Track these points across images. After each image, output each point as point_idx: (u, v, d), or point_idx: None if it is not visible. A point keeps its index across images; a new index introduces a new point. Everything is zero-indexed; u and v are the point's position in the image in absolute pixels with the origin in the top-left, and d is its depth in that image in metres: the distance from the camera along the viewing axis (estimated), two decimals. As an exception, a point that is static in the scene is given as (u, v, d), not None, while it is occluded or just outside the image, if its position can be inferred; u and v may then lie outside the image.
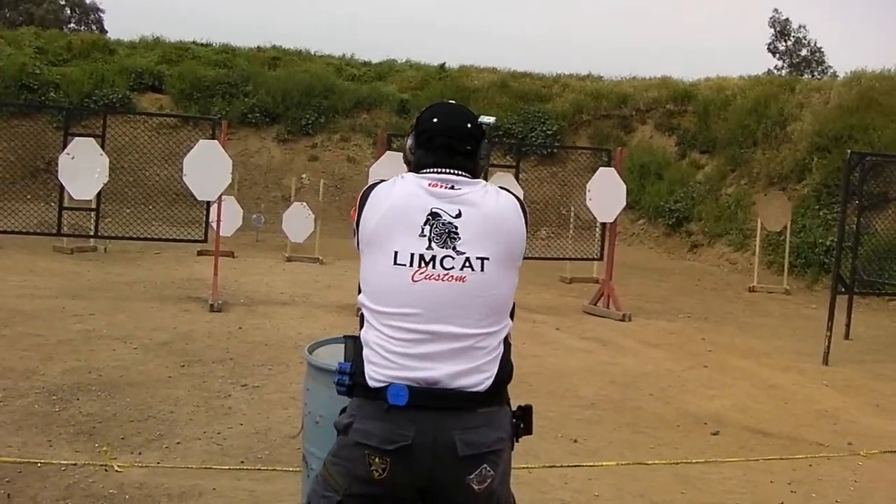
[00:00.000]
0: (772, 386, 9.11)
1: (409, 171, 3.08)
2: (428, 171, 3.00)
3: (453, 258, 2.86)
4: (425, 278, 2.84)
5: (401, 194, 2.93)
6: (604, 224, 13.55)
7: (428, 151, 3.04)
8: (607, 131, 25.62)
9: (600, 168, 13.27)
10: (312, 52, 29.79)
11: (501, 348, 2.94)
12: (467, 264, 2.87)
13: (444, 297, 2.85)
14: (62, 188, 11.67)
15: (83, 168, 11.32)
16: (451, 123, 3.08)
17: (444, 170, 2.99)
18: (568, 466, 6.17)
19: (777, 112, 21.70)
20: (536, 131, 25.10)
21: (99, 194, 11.70)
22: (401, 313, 2.84)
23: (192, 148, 11.71)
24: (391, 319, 2.85)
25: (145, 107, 23.88)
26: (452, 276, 2.85)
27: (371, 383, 2.83)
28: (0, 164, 19.24)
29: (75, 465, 5.73)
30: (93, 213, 12.10)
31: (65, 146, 11.59)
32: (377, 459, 2.78)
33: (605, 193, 12.71)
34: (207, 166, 11.23)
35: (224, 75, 25.38)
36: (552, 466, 6.13)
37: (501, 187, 3.08)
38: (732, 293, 15.99)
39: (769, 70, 30.58)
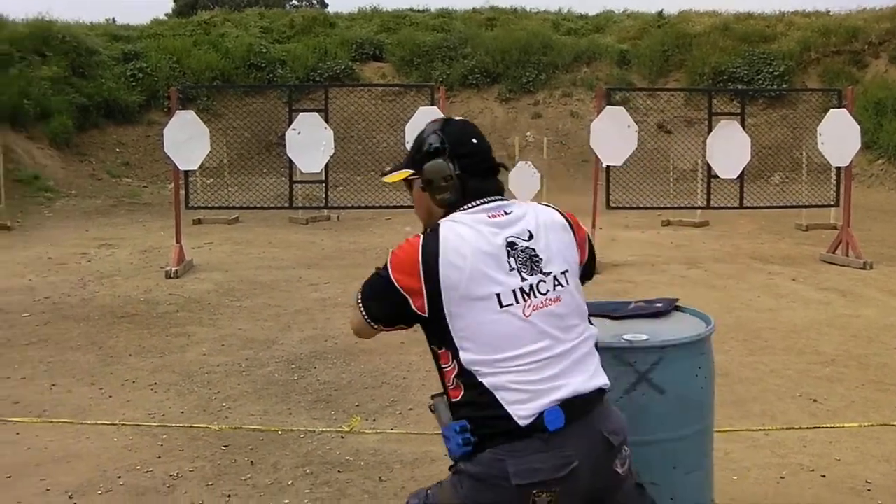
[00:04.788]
0: None
1: (448, 202, 2.87)
2: (476, 204, 2.85)
3: (545, 282, 2.78)
4: (533, 310, 2.74)
5: (473, 234, 2.76)
6: (839, 168, 12.91)
7: (483, 178, 2.90)
8: (838, 68, 24.33)
9: (831, 110, 12.62)
10: (528, 10, 29.69)
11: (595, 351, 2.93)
12: (557, 283, 2.81)
13: (553, 320, 2.76)
14: (291, 162, 12.08)
15: (309, 142, 11.65)
16: (484, 143, 2.96)
17: (490, 198, 2.87)
18: (807, 428, 5.92)
19: None
20: (763, 74, 24.15)
21: (327, 166, 12.03)
22: (529, 351, 2.72)
23: (414, 114, 11.87)
24: (520, 360, 2.71)
25: (368, 76, 24.44)
26: (551, 300, 2.78)
27: (522, 423, 2.67)
28: (236, 140, 20.12)
29: (313, 432, 5.94)
30: (322, 185, 12.47)
31: (290, 122, 11.97)
32: (545, 495, 2.67)
33: (838, 136, 12.07)
34: (430, 132, 11.32)
35: (442, 39, 25.61)
36: (790, 428, 5.91)
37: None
38: None
39: None
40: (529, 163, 15.99)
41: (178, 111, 11.59)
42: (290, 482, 5.18)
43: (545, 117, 24.22)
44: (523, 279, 2.74)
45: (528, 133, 23.06)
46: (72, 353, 7.90)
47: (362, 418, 6.18)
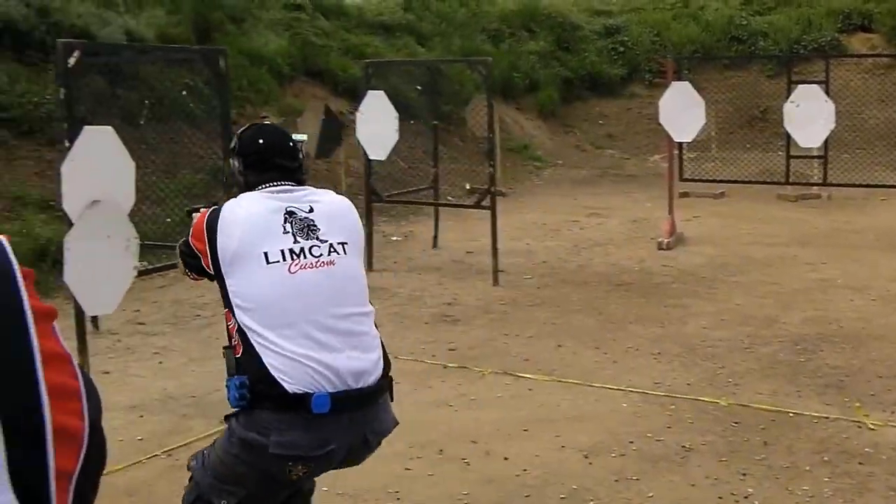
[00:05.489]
0: None
1: (238, 194, 3.32)
2: (263, 187, 3.25)
3: (319, 246, 3.12)
4: (301, 269, 3.07)
5: (253, 205, 3.16)
6: None
7: (261, 172, 3.29)
8: None
9: None
10: None
11: (377, 331, 3.24)
12: (333, 250, 3.14)
13: (322, 283, 3.09)
14: (788, 137, 11.69)
15: (808, 115, 11.20)
16: (276, 141, 3.39)
17: (278, 182, 3.26)
18: None
19: None
20: None
21: (826, 141, 11.52)
22: (289, 309, 3.01)
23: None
24: (283, 317, 3.01)
25: (856, 48, 23.11)
26: (323, 262, 3.11)
27: (290, 389, 2.95)
28: (719, 114, 19.81)
29: (826, 418, 5.73)
30: (817, 161, 11.98)
31: (788, 94, 11.57)
32: (300, 466, 3.01)
33: None
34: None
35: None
36: None
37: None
38: None
39: None
40: None
41: (673, 82, 11.59)
42: (807, 468, 5.03)
43: None
44: (296, 241, 3.11)
45: None
46: (573, 317, 8.19)
47: (880, 410, 5.84)
